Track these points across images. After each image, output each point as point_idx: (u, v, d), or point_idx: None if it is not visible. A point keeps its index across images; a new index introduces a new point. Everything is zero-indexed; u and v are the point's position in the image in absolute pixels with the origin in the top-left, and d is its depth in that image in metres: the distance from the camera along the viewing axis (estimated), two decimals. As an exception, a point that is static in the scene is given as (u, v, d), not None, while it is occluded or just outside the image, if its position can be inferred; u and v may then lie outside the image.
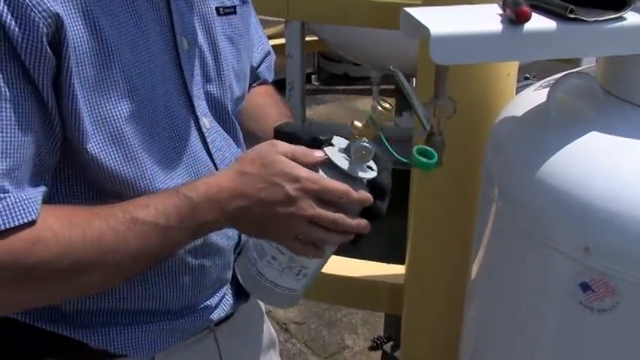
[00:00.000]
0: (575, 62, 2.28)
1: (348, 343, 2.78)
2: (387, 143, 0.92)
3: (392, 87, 4.39)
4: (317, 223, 0.88)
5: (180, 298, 0.99)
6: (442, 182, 1.54)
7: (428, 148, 0.94)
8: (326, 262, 0.98)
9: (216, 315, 1.05)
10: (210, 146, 1.01)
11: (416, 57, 1.52)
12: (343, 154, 0.92)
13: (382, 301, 1.94)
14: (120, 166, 0.88)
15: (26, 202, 0.78)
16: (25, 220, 0.77)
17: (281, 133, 1.06)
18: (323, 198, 0.88)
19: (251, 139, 1.13)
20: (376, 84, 3.73)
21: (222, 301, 1.06)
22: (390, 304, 1.91)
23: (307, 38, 3.83)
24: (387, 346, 2.26)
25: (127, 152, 0.88)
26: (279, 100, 1.22)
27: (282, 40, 3.70)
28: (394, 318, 2.09)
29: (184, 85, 0.97)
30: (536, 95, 1.22)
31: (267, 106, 1.19)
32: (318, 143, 0.95)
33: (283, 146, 0.90)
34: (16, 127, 0.78)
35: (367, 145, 0.91)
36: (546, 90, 1.14)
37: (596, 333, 1.03)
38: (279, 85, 1.29)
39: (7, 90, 0.77)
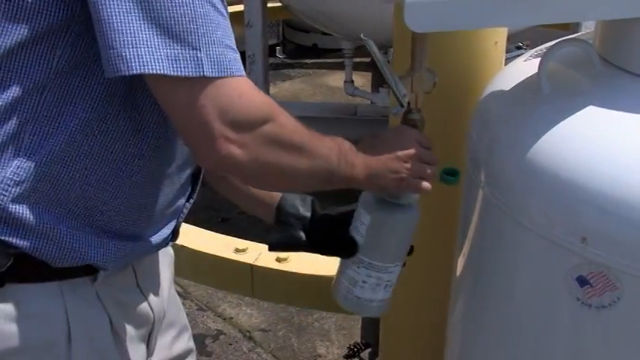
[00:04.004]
0: (574, 28, 2.30)
1: (321, 351, 2.79)
2: None
3: (367, 60, 4.39)
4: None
5: (148, 222, 1.16)
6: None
7: (454, 168, 1.21)
8: (401, 271, 1.26)
9: (163, 243, 1.23)
10: None
11: (392, 25, 1.52)
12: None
13: (358, 303, 1.94)
14: None
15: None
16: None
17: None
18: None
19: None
20: (349, 57, 3.72)
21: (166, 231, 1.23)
22: (366, 306, 1.91)
23: (269, 4, 3.81)
24: (365, 354, 2.27)
25: None
26: None
27: (240, 7, 3.67)
28: (372, 322, 2.10)
29: None
30: (527, 66, 1.23)
31: None
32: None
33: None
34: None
35: None
36: (538, 60, 1.14)
37: (595, 332, 1.04)
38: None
39: None
